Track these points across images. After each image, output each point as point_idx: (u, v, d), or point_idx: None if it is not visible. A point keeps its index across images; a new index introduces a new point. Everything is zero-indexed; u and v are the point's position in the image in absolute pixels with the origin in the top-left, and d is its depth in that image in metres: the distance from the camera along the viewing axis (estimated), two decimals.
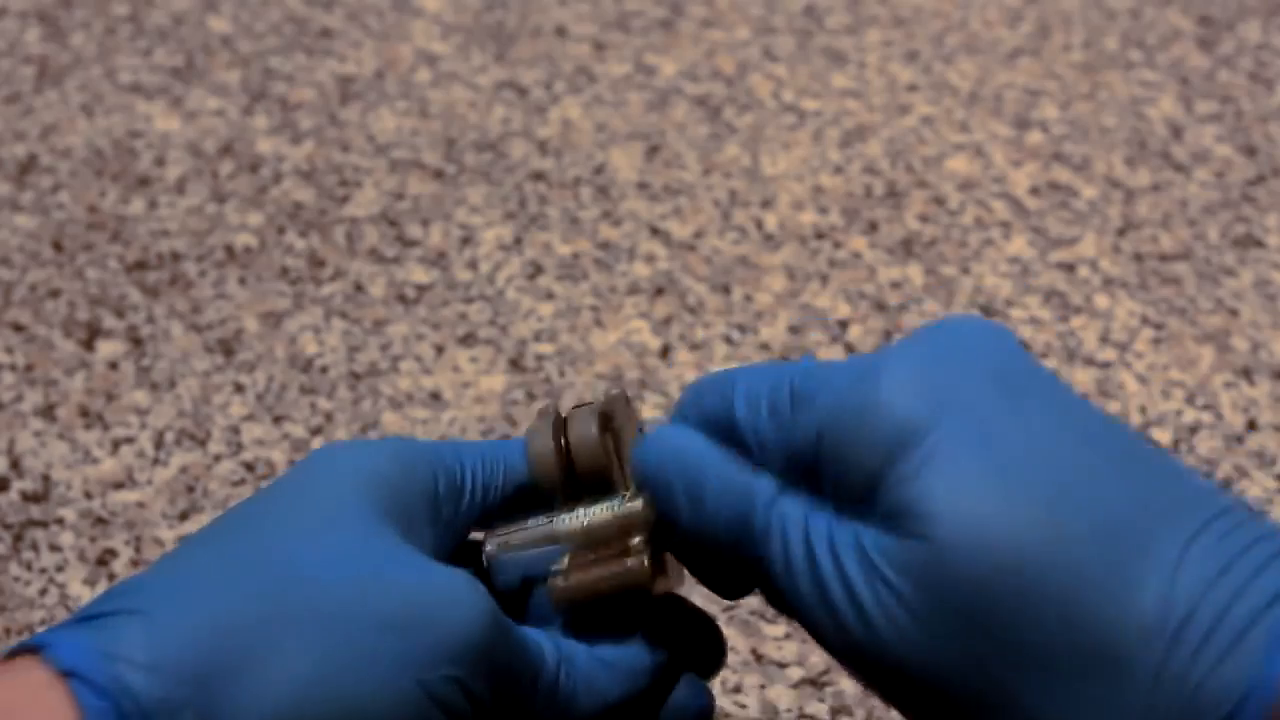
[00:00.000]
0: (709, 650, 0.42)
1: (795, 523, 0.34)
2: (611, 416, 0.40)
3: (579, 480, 0.40)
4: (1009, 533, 0.31)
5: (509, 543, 0.40)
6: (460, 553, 0.40)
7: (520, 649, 0.36)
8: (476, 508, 0.40)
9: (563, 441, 0.40)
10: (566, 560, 0.39)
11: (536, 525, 0.40)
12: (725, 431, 0.36)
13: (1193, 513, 0.31)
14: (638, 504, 0.39)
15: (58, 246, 0.68)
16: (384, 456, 0.38)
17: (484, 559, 0.40)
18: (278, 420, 0.61)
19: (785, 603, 0.36)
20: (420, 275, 0.67)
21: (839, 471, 0.34)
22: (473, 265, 0.67)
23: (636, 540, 0.39)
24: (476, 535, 0.41)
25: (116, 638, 0.32)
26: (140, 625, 0.32)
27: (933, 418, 0.32)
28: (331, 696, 0.33)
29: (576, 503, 0.40)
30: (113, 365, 0.63)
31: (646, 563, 0.38)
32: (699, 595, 0.41)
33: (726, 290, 0.66)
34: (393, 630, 0.34)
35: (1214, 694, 0.29)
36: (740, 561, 0.36)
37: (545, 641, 0.38)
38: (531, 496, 0.41)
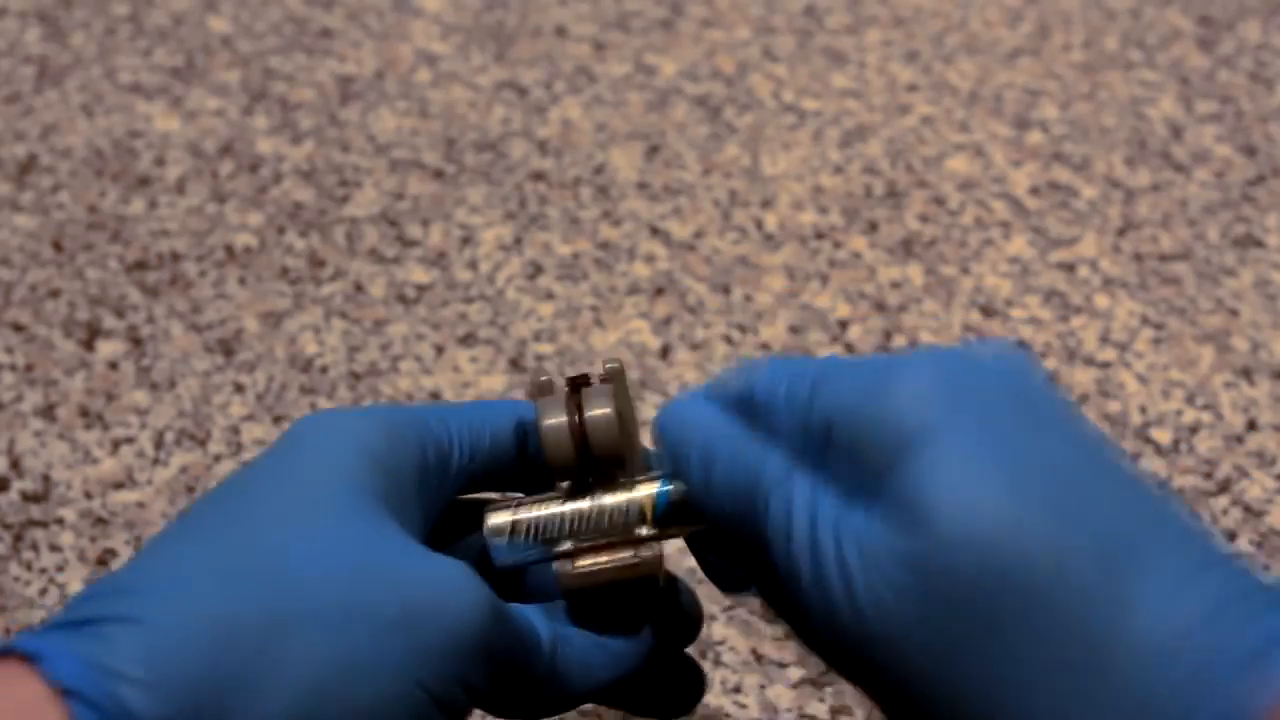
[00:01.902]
0: (688, 617, 0.42)
1: (801, 501, 0.34)
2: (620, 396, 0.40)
3: (592, 461, 0.39)
4: (1009, 534, 0.31)
5: (514, 526, 0.39)
6: (448, 517, 0.40)
7: (516, 635, 0.36)
8: (464, 472, 0.40)
9: (577, 420, 0.39)
10: (571, 545, 0.39)
11: (543, 508, 0.39)
12: (744, 410, 0.36)
13: (1194, 549, 0.31)
14: (648, 491, 0.38)
15: (58, 246, 0.68)
16: (371, 428, 0.37)
17: (486, 541, 0.39)
18: (278, 420, 0.61)
19: (779, 593, 0.36)
20: (420, 275, 0.67)
21: (849, 460, 0.34)
22: (473, 265, 0.67)
23: (643, 530, 0.38)
24: (461, 497, 0.41)
25: (113, 651, 0.31)
26: (137, 636, 0.31)
27: (947, 418, 0.32)
28: (334, 704, 0.32)
29: (585, 484, 0.39)
30: (113, 365, 0.63)
31: (659, 553, 0.38)
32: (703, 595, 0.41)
33: (726, 290, 0.66)
34: (393, 632, 0.33)
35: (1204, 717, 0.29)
36: (744, 537, 0.36)
37: (540, 621, 0.38)
38: (519, 459, 0.40)
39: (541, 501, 0.39)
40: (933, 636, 0.32)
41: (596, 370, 0.42)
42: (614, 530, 0.38)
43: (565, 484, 0.39)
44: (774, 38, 0.81)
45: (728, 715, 0.51)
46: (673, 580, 0.41)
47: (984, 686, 0.31)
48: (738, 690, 0.52)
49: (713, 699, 0.52)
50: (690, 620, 0.42)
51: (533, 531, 0.39)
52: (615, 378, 0.39)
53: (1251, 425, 0.61)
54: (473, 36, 0.80)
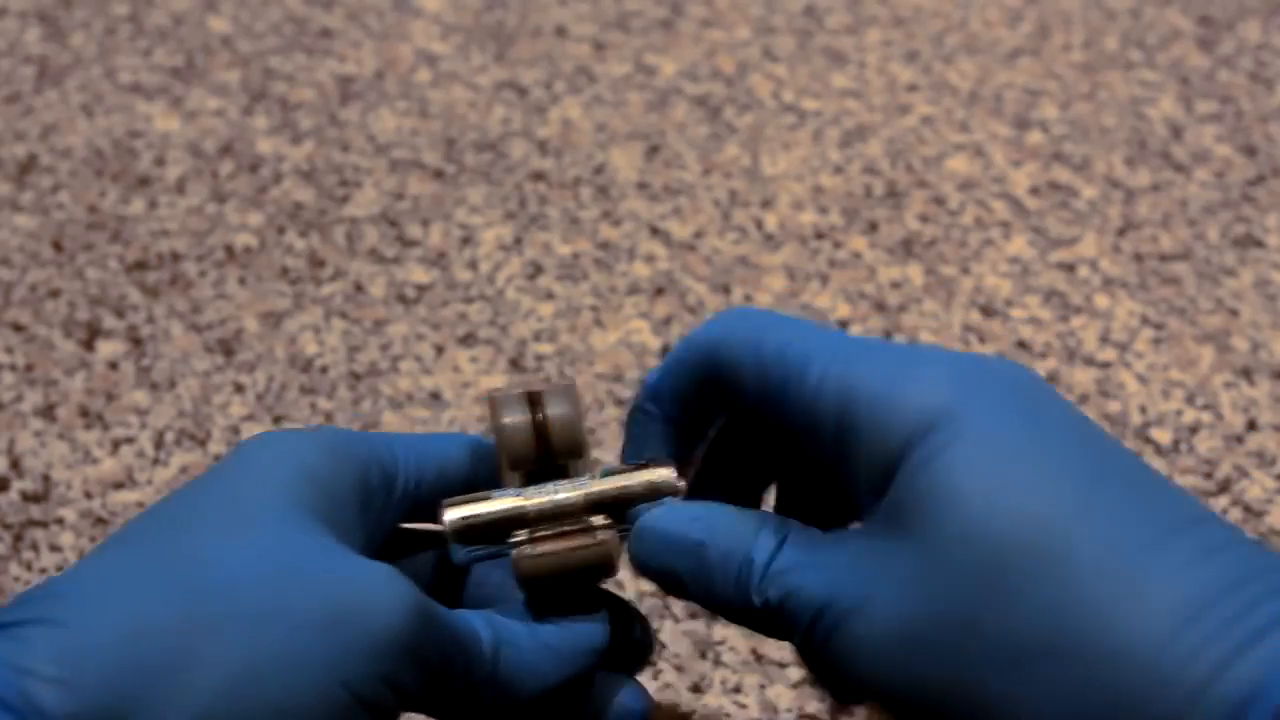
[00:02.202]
0: (639, 642, 0.42)
1: (794, 589, 0.35)
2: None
3: (550, 457, 0.39)
4: (1025, 515, 0.32)
5: (472, 516, 0.39)
6: (391, 543, 0.40)
7: (451, 637, 0.36)
8: (408, 499, 0.40)
9: (540, 417, 0.39)
10: (527, 534, 0.39)
11: (500, 500, 0.39)
12: (759, 383, 0.37)
13: (1203, 533, 0.31)
14: (605, 485, 0.39)
15: (58, 246, 0.68)
16: (313, 447, 0.37)
17: (444, 530, 0.39)
18: (278, 420, 0.61)
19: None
20: (420, 275, 0.67)
21: (858, 453, 0.34)
22: (473, 265, 0.67)
23: (598, 519, 0.39)
24: (406, 525, 0.41)
25: (28, 650, 0.31)
26: (52, 636, 0.32)
27: (957, 410, 0.33)
28: (252, 703, 0.32)
29: (540, 479, 0.39)
30: (113, 365, 0.63)
31: (615, 540, 0.39)
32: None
33: (726, 290, 0.66)
34: (313, 631, 0.33)
35: (1218, 694, 0.29)
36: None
37: (481, 625, 0.38)
38: (463, 488, 0.41)
39: (498, 495, 0.39)
40: (936, 648, 0.32)
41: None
42: (570, 520, 0.39)
43: (519, 480, 0.39)
44: (774, 38, 0.81)
45: (728, 715, 0.51)
46: (611, 593, 0.42)
47: (990, 668, 0.31)
48: (738, 690, 0.52)
49: (713, 699, 0.52)
50: (641, 631, 0.42)
51: (491, 521, 0.39)
52: (568, 388, 0.40)
53: (1251, 425, 0.61)
54: (473, 36, 0.80)
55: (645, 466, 0.39)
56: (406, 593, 0.35)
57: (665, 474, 0.39)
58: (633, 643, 0.42)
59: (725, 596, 0.36)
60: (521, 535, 0.39)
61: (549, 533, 0.39)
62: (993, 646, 0.31)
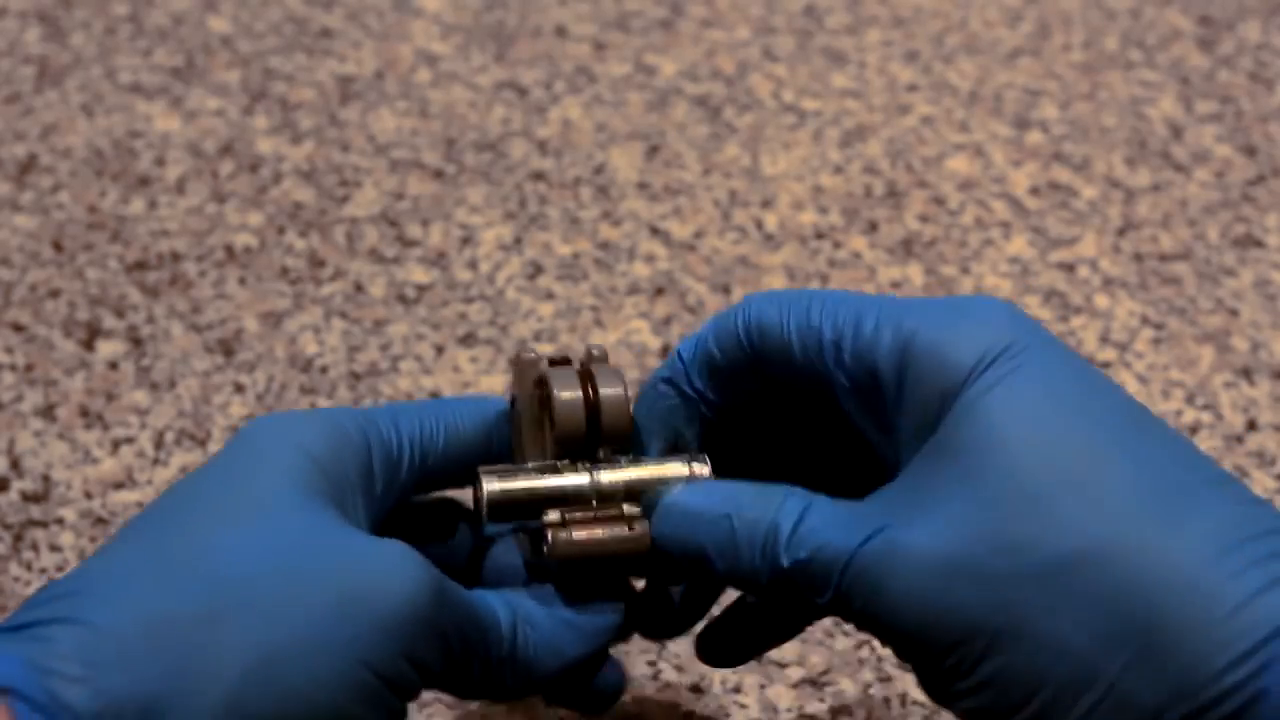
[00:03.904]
0: (662, 613, 0.42)
1: (823, 543, 0.35)
2: None
3: (597, 437, 0.39)
4: (1063, 452, 0.33)
5: (511, 489, 0.39)
6: (399, 517, 0.40)
7: (469, 615, 0.36)
8: (416, 472, 0.40)
9: (592, 395, 0.39)
10: (559, 514, 0.39)
11: (541, 477, 0.39)
12: (809, 347, 0.37)
13: (1236, 489, 0.33)
14: (642, 473, 0.39)
15: (58, 246, 0.68)
16: (311, 429, 0.37)
17: (482, 500, 0.39)
18: None
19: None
20: (420, 275, 0.67)
21: (916, 392, 0.35)
22: (473, 265, 0.67)
23: (630, 508, 0.39)
24: (418, 497, 0.41)
25: (52, 650, 0.32)
26: (75, 635, 0.32)
27: (1015, 345, 0.35)
28: (275, 691, 0.33)
29: (583, 458, 0.39)
30: (113, 365, 0.63)
31: (649, 530, 0.38)
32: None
33: (726, 290, 0.66)
34: (329, 613, 0.34)
35: (1260, 612, 0.30)
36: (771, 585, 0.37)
37: (499, 604, 0.38)
38: (474, 456, 0.40)
39: (537, 470, 0.39)
40: (989, 550, 0.33)
41: (577, 353, 0.42)
42: (606, 504, 0.39)
43: (549, 451, 0.39)
44: (774, 38, 0.81)
45: (728, 715, 0.51)
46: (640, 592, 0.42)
47: (1032, 582, 0.32)
48: (738, 690, 0.52)
49: (713, 699, 0.52)
50: (661, 607, 0.42)
51: (529, 496, 0.39)
52: (618, 371, 0.40)
53: (1251, 425, 0.61)
54: (473, 36, 0.80)
55: (680, 458, 0.39)
56: (419, 568, 0.35)
57: (701, 469, 0.39)
58: (656, 612, 0.42)
59: (753, 565, 0.36)
60: (554, 515, 0.38)
61: (582, 515, 0.39)
62: (1038, 560, 0.32)
